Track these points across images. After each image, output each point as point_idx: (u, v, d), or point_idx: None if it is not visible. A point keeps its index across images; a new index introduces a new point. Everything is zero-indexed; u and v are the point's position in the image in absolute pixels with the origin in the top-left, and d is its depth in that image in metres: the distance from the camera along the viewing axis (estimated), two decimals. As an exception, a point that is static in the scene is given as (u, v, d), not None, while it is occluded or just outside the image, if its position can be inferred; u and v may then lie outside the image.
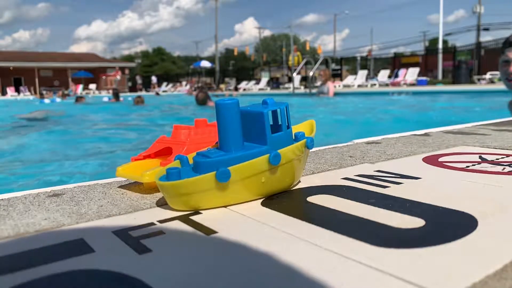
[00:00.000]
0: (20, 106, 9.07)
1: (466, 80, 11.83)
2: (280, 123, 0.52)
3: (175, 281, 0.30)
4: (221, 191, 0.46)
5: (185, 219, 0.44)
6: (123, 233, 0.40)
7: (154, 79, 24.09)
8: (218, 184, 0.45)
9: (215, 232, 0.40)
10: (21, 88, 20.73)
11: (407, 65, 15.02)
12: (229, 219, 0.44)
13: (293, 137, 0.54)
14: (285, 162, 0.50)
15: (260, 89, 15.24)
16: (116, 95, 10.06)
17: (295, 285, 0.29)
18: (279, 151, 0.49)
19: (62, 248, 0.36)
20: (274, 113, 0.51)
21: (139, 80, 25.55)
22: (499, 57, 1.74)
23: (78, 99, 9.93)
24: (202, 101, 6.10)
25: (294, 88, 10.97)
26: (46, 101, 11.18)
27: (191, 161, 0.50)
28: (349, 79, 13.65)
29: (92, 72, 24.71)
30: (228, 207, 0.48)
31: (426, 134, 1.08)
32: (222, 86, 17.69)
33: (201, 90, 6.28)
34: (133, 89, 23.86)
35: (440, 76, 15.44)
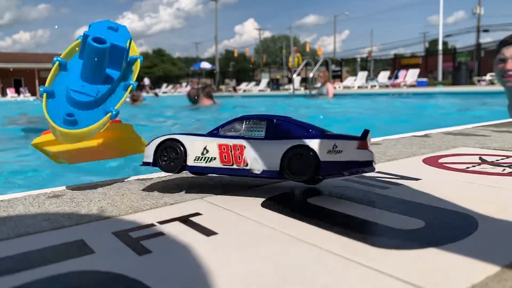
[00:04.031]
0: (23, 107, 9.07)
1: (466, 81, 11.80)
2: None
3: (175, 282, 0.30)
4: None
5: (185, 220, 0.44)
6: (123, 234, 0.40)
7: (146, 81, 21.41)
8: None
9: (215, 233, 0.40)
10: (21, 89, 20.70)
11: (407, 66, 14.98)
12: (229, 220, 0.44)
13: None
14: None
15: (260, 90, 15.21)
16: None
17: (295, 286, 0.29)
18: None
19: (62, 249, 0.36)
20: None
21: (130, 82, 24.32)
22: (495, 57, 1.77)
23: None
24: (193, 98, 6.08)
25: (294, 89, 10.94)
26: None
27: None
28: (349, 80, 13.61)
29: (92, 74, 24.60)
30: (228, 209, 0.48)
31: (426, 135, 1.08)
32: (222, 87, 17.67)
33: (196, 88, 6.25)
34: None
35: (440, 77, 15.44)
